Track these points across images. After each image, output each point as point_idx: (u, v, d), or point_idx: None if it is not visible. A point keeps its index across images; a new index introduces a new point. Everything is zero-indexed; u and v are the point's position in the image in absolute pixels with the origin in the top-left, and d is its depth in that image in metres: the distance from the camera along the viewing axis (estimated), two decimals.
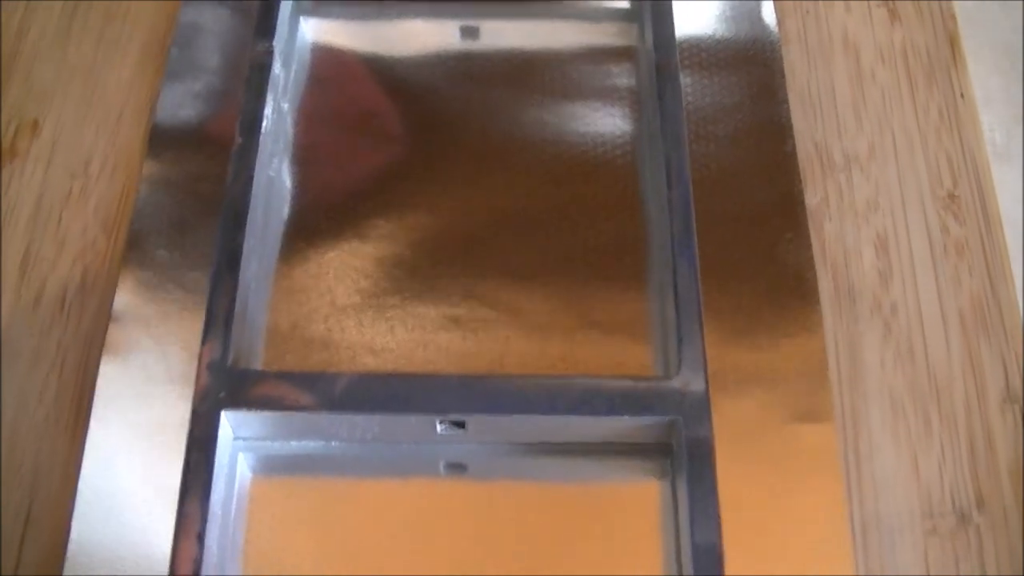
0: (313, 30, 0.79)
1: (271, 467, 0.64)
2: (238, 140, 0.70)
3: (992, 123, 0.78)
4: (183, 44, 0.75)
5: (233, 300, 0.64)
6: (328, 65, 0.78)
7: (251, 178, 0.68)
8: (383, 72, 0.78)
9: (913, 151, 0.75)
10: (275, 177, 0.72)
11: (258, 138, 0.70)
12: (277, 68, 0.74)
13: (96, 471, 0.62)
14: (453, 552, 0.62)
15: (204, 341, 0.63)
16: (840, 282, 0.70)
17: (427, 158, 0.75)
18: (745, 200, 0.70)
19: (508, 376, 0.64)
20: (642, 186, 0.73)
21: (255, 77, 0.73)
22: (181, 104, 0.73)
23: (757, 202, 0.70)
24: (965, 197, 0.73)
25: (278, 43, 0.75)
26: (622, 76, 0.78)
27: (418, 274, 0.70)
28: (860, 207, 0.73)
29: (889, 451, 0.65)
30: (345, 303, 0.69)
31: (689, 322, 0.64)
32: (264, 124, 0.71)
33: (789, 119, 0.73)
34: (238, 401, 0.62)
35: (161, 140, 0.72)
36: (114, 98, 0.76)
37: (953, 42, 0.79)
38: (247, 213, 0.67)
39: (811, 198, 0.72)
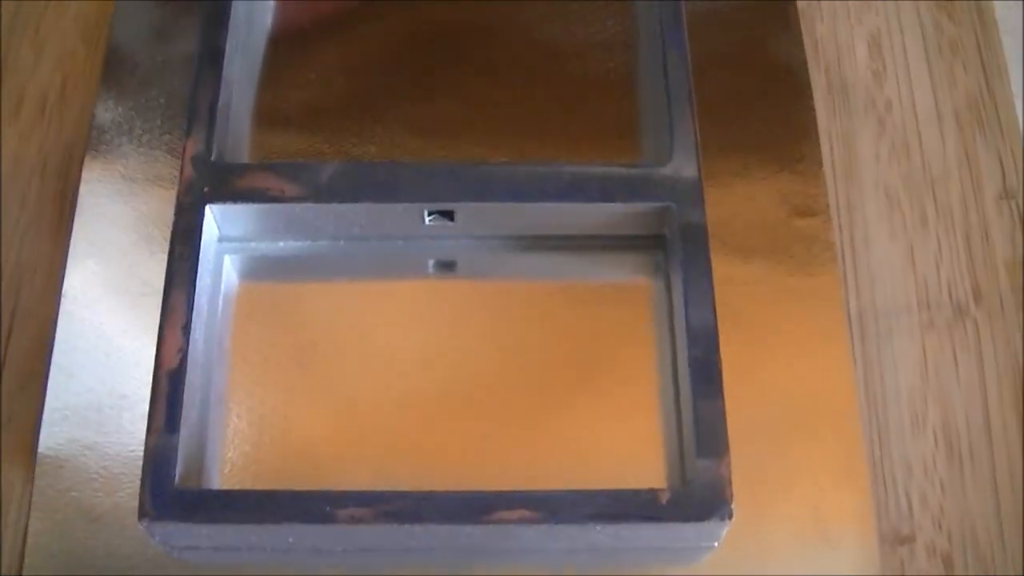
0: None
1: (257, 270, 0.63)
2: None
3: None
4: None
5: (216, 94, 0.63)
6: None
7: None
8: None
9: None
10: (251, 20, 0.70)
11: None
12: None
13: (80, 272, 0.62)
14: (442, 351, 0.61)
15: (188, 135, 0.62)
16: (833, 79, 0.69)
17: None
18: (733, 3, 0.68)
19: (498, 164, 0.63)
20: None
21: None
22: None
23: (746, 3, 0.68)
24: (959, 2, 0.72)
25: None
26: None
27: (403, 72, 0.68)
28: (852, 7, 0.71)
29: (885, 244, 0.65)
30: (330, 102, 0.68)
31: (680, 109, 0.63)
32: None
33: None
34: (223, 195, 0.61)
35: None
36: None
37: None
38: (228, 15, 0.65)
39: None
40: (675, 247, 0.60)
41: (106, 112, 0.65)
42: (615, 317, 0.62)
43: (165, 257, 0.59)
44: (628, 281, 0.63)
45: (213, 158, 0.62)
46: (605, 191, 0.61)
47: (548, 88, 0.68)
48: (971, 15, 0.71)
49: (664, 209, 0.61)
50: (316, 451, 0.59)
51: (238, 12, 0.67)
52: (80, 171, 0.64)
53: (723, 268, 0.61)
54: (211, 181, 0.61)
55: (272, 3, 0.71)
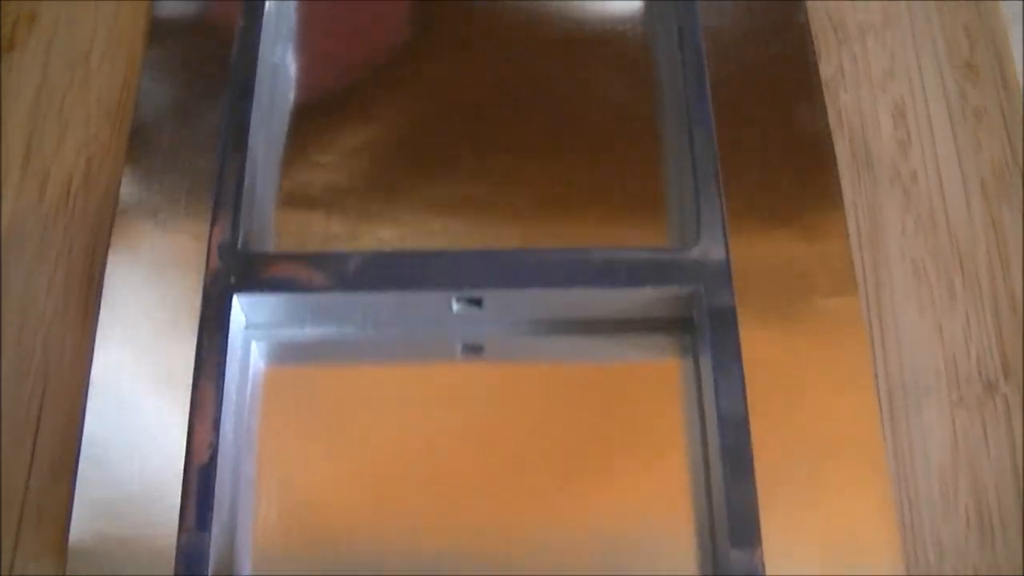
0: None
1: (284, 355, 0.63)
2: (240, 23, 0.68)
3: None
4: None
5: (241, 178, 0.63)
6: None
7: (255, 59, 0.67)
8: None
9: (929, 19, 0.73)
10: (279, 64, 0.70)
11: (261, 20, 0.68)
12: None
13: (107, 359, 0.61)
14: (471, 434, 0.61)
15: (213, 222, 0.62)
16: (857, 149, 0.69)
17: (432, 32, 0.73)
18: (759, 71, 0.69)
19: (525, 249, 0.63)
20: (654, 52, 0.71)
21: None
22: None
23: (771, 73, 0.69)
24: (983, 64, 0.72)
25: None
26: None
27: (427, 151, 0.68)
28: (876, 76, 0.71)
29: (913, 319, 0.64)
30: (355, 183, 0.67)
31: (708, 190, 0.63)
32: (267, 6, 0.68)
33: None
34: (250, 284, 0.61)
35: (162, 25, 0.70)
36: None
37: None
38: (252, 92, 0.66)
39: (825, 69, 0.71)
40: (704, 331, 0.60)
41: (131, 195, 0.65)
42: (644, 399, 0.62)
43: (192, 344, 0.59)
44: (657, 362, 0.63)
45: (239, 245, 0.61)
46: (633, 276, 0.61)
47: (574, 165, 0.68)
48: (995, 80, 0.71)
49: (693, 293, 0.60)
50: (346, 538, 0.59)
51: (262, 86, 0.67)
52: (106, 255, 0.63)
53: (751, 346, 0.60)
54: (238, 270, 0.61)
55: (294, 77, 0.71)
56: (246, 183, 0.63)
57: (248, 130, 0.65)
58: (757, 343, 0.60)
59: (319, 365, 0.63)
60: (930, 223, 0.67)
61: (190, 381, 0.59)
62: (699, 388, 0.61)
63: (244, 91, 0.66)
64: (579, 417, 0.61)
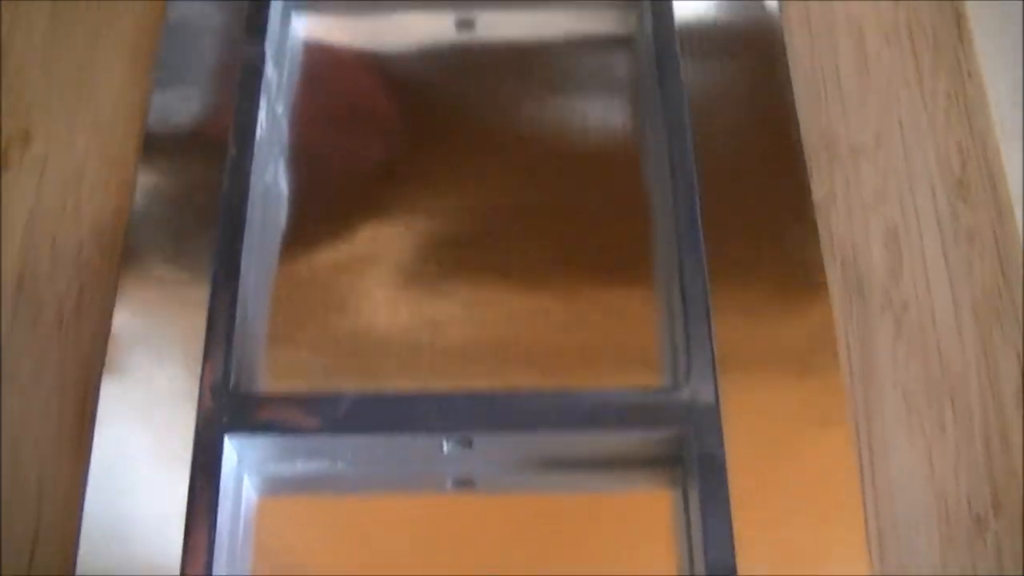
0: (305, 27, 0.78)
1: (276, 488, 0.63)
2: (232, 151, 0.68)
3: (1001, 96, 0.76)
4: (172, 45, 0.73)
5: (233, 312, 0.63)
6: (322, 62, 0.76)
7: (247, 190, 0.67)
8: (378, 67, 0.76)
9: (921, 137, 0.73)
10: (271, 184, 0.70)
11: (252, 147, 0.69)
12: (269, 70, 0.72)
13: (101, 494, 0.61)
14: (463, 567, 0.61)
15: (205, 360, 0.62)
16: (849, 277, 0.69)
17: (425, 155, 0.73)
18: (750, 194, 0.69)
19: (514, 392, 0.63)
20: (645, 179, 0.71)
21: (247, 81, 0.71)
22: (172, 110, 0.72)
23: (763, 196, 0.69)
24: (975, 182, 0.72)
25: (270, 43, 0.73)
26: (622, 65, 0.76)
27: (417, 278, 0.69)
28: (868, 198, 0.71)
29: (904, 451, 0.64)
30: (345, 310, 0.68)
31: (698, 328, 0.63)
32: (258, 132, 0.69)
33: (794, 108, 0.71)
34: (241, 425, 0.61)
35: (154, 148, 0.71)
36: (104, 104, 0.75)
37: (959, 17, 0.77)
38: (243, 226, 0.66)
39: (818, 190, 0.71)
40: (693, 474, 0.60)
41: (123, 324, 0.64)
42: (633, 531, 0.62)
43: (183, 481, 0.60)
44: (647, 494, 0.63)
45: (231, 385, 0.62)
46: (622, 419, 0.61)
47: (564, 299, 0.67)
48: (987, 197, 0.71)
49: (682, 436, 0.60)
50: None
51: (254, 210, 0.68)
52: (99, 386, 0.63)
53: (740, 483, 0.61)
54: (230, 411, 0.61)
55: (285, 204, 0.71)
56: (237, 320, 0.63)
57: (240, 260, 0.65)
58: (746, 480, 0.61)
59: (311, 497, 0.63)
60: (921, 353, 0.67)
61: (182, 513, 0.59)
62: (688, 522, 0.61)
63: (235, 220, 0.66)
64: (570, 548, 0.62)
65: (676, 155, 0.69)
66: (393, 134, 0.74)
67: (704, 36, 0.74)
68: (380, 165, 0.73)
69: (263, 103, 0.71)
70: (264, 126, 0.71)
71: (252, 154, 0.69)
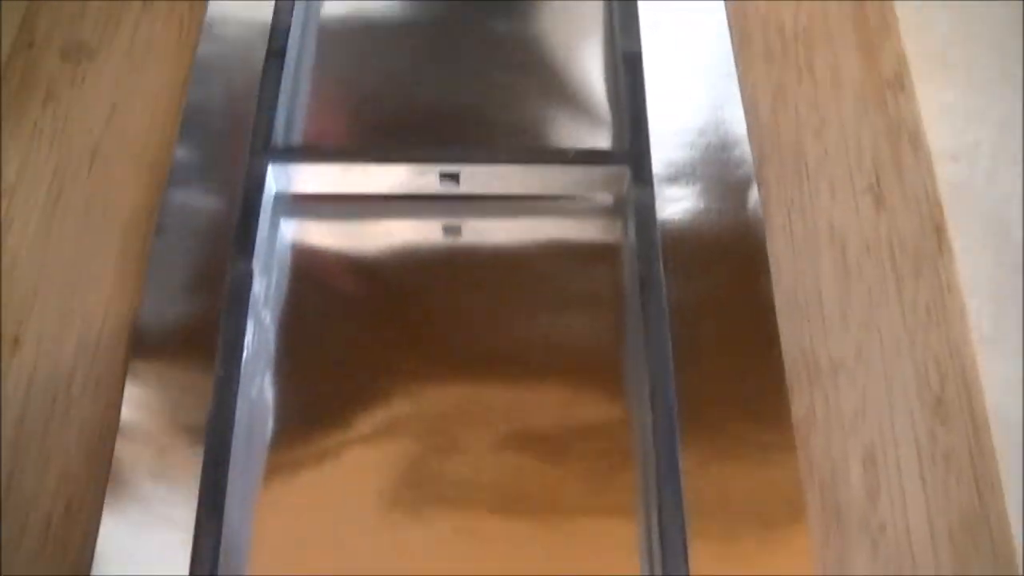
0: (293, 232, 0.78)
1: None
2: (219, 372, 0.69)
3: (980, 307, 0.78)
4: (159, 261, 0.74)
5: (216, 554, 0.64)
6: (309, 268, 0.77)
7: (233, 413, 0.68)
8: (366, 274, 0.77)
9: (900, 353, 0.74)
10: (257, 399, 0.71)
11: (239, 368, 0.69)
12: (257, 285, 0.73)
13: None
14: None
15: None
16: (828, 500, 0.70)
17: (411, 364, 0.74)
18: (731, 419, 0.69)
19: None
20: (627, 400, 0.72)
21: (235, 298, 0.72)
22: (161, 318, 0.72)
23: (743, 417, 0.69)
24: (952, 401, 0.73)
25: (258, 258, 0.73)
26: (606, 277, 0.77)
27: (400, 499, 0.69)
28: (847, 417, 0.72)
29: None
30: (330, 531, 0.69)
31: (676, 566, 0.63)
32: (245, 353, 0.70)
33: (775, 323, 0.72)
34: None
35: (143, 359, 0.71)
36: (94, 309, 0.75)
37: (939, 230, 0.78)
38: (229, 452, 0.67)
39: (798, 408, 0.72)
40: None
41: (107, 545, 0.65)
42: None
43: None
44: None
45: None
46: None
47: (547, 530, 0.68)
48: (964, 417, 0.72)
49: None
50: None
51: (240, 426, 0.69)
52: None
53: None
54: None
55: (271, 419, 0.72)
56: (220, 555, 0.64)
57: (224, 491, 0.65)
58: None
59: None
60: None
61: None
62: None
63: (220, 453, 0.67)
64: None
65: (658, 385, 0.70)
66: (379, 343, 0.75)
67: (687, 246, 0.75)
68: (366, 375, 0.73)
69: (250, 322, 0.72)
70: (251, 346, 0.71)
71: (239, 375, 0.70)
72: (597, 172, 0.78)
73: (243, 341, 0.70)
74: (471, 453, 0.71)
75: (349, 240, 0.79)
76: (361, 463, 0.71)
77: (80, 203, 0.80)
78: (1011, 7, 0.94)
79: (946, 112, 0.86)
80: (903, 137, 0.83)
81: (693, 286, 0.73)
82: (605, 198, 0.79)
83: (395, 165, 0.79)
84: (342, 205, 0.81)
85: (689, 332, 0.72)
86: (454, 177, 0.78)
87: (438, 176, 0.78)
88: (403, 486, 0.70)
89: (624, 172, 0.77)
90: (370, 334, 0.75)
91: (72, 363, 0.74)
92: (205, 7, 0.86)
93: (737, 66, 0.83)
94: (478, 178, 0.79)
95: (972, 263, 0.76)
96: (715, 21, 0.86)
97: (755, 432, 0.69)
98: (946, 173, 0.82)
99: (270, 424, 0.71)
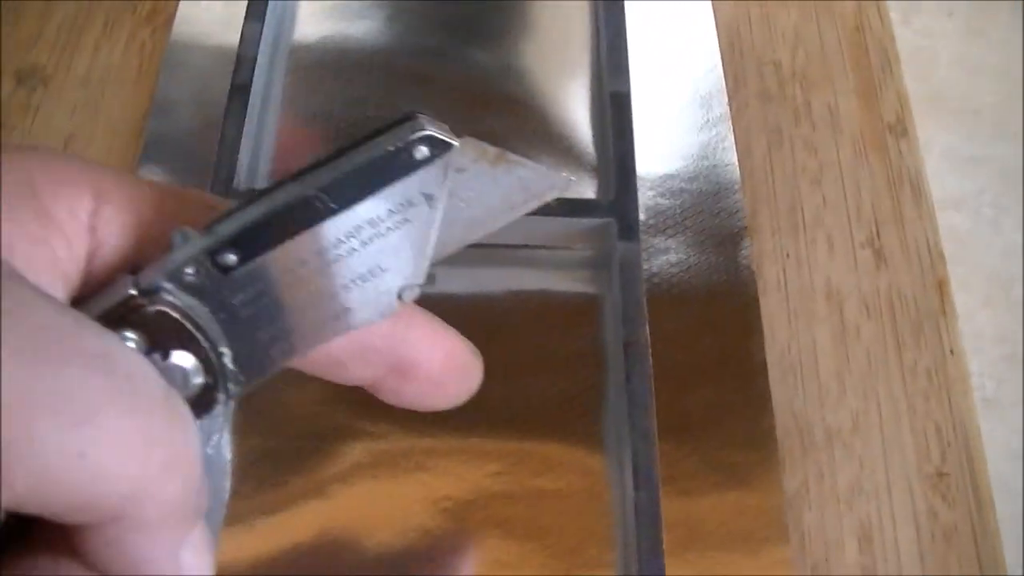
0: None
1: None
2: None
3: (983, 367, 0.73)
4: None
5: None
6: None
7: None
8: None
9: (899, 422, 0.70)
10: (215, 455, 0.66)
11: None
12: None
13: None
14: None
15: None
16: None
17: (378, 419, 0.69)
18: (721, 494, 0.65)
19: None
20: (608, 476, 0.67)
21: None
22: None
23: (733, 494, 0.65)
24: (954, 474, 0.68)
25: None
26: (587, 335, 0.72)
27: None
28: (842, 491, 0.68)
29: None
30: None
31: None
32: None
33: (768, 390, 0.67)
34: None
35: None
36: None
37: (942, 288, 0.74)
38: None
39: (790, 482, 0.67)
40: None
41: None
42: None
43: None
44: None
45: None
46: None
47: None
48: (966, 492, 0.68)
49: None
50: None
51: None
52: None
53: None
54: None
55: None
56: None
57: None
58: None
59: None
60: None
61: None
62: None
63: None
64: None
65: (640, 462, 0.65)
66: (344, 394, 0.70)
67: (675, 306, 0.70)
68: (329, 434, 0.69)
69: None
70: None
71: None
72: (580, 224, 0.73)
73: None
74: (447, 527, 0.66)
75: None
76: (316, 515, 0.65)
77: None
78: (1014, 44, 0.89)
79: (947, 156, 0.81)
80: (904, 186, 0.78)
81: (680, 348, 0.69)
82: (589, 250, 0.74)
83: None
84: None
85: (676, 399, 0.67)
86: None
87: None
88: (368, 543, 0.65)
89: (609, 225, 0.72)
90: (334, 388, 0.70)
91: None
92: (168, 33, 0.81)
93: (731, 107, 0.78)
94: None
95: (973, 319, 0.72)
96: (708, 59, 0.81)
97: (744, 512, 0.65)
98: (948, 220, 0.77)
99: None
